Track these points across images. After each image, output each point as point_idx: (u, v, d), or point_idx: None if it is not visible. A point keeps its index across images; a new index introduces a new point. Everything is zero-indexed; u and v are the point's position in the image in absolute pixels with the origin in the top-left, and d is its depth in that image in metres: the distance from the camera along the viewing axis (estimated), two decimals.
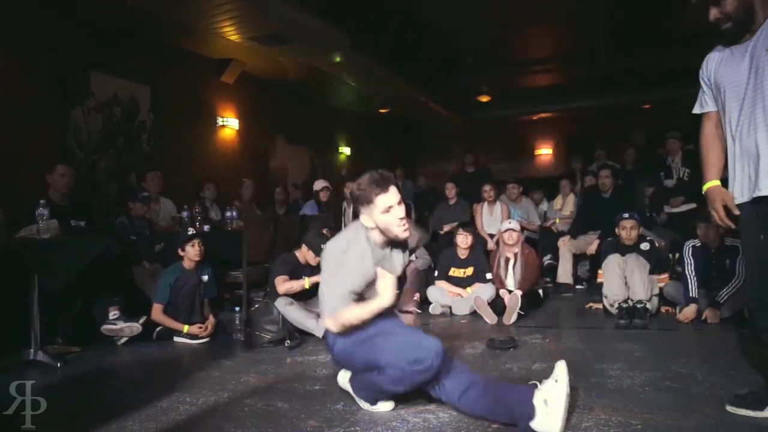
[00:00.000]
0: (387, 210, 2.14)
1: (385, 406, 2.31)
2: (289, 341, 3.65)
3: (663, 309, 4.43)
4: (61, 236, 3.53)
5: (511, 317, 4.27)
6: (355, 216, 6.29)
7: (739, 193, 2.12)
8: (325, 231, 4.45)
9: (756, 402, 2.11)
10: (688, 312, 4.06)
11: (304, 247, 4.16)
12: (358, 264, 2.20)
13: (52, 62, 5.08)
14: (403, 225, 2.18)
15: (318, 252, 4.06)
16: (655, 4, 6.26)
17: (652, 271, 4.34)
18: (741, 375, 2.66)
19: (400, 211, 2.15)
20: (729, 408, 2.15)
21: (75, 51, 5.32)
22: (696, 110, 2.33)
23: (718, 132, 2.23)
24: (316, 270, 4.16)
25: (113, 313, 3.86)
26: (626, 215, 4.59)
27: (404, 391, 2.22)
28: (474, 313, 4.56)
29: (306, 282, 3.98)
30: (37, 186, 4.18)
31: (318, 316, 3.80)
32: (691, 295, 4.12)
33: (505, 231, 4.83)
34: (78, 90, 5.39)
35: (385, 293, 2.17)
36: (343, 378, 2.47)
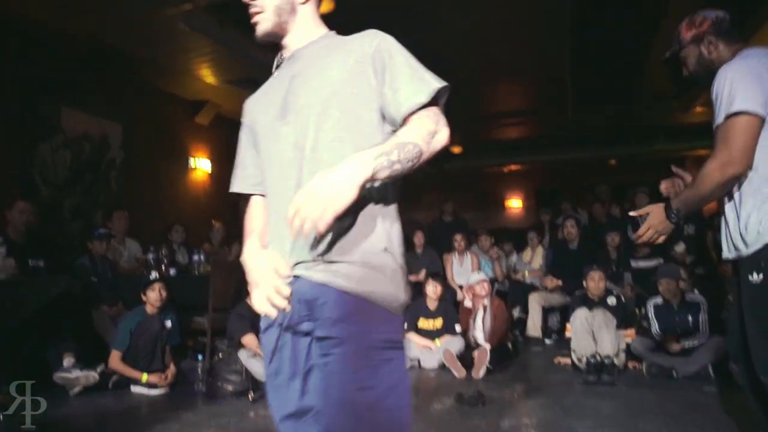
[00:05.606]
0: None
1: None
2: (252, 393, 3.52)
3: (630, 364, 4.45)
4: (17, 276, 3.39)
5: (479, 371, 4.23)
6: None
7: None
8: None
9: None
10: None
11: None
12: None
13: (23, 96, 5.00)
14: None
15: None
16: (621, 63, 6.56)
17: (618, 326, 4.38)
18: None
19: None
20: None
21: (46, 86, 5.26)
22: None
23: None
24: None
25: (68, 360, 3.67)
26: (594, 266, 4.68)
27: None
28: (443, 367, 4.50)
29: None
30: None
31: None
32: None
33: (477, 283, 4.84)
34: (48, 126, 5.30)
35: None
36: None
